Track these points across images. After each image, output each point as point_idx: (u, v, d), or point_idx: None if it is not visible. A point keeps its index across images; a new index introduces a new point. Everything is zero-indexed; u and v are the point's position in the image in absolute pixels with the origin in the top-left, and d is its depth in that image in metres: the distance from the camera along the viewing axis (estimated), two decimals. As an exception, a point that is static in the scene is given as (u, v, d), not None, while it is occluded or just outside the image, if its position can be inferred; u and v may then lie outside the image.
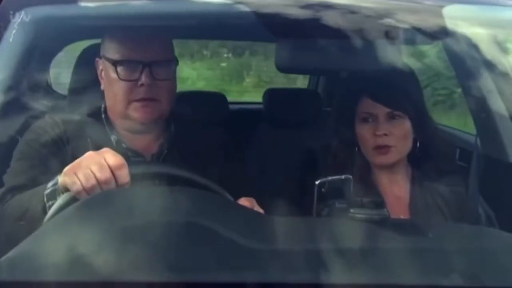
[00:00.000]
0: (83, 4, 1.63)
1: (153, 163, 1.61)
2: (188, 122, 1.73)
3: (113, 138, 1.65)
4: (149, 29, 1.64)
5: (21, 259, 1.16)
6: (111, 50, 1.63)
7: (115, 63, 1.60)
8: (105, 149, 1.35)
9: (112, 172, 1.30)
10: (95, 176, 1.29)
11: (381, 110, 1.71)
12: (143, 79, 1.59)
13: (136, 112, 1.61)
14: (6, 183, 1.51)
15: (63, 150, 1.59)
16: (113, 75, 1.61)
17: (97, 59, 1.68)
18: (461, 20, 1.76)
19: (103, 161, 1.30)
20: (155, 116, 1.63)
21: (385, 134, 1.70)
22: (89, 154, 1.34)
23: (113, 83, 1.62)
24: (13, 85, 1.59)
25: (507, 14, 1.81)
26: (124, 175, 1.30)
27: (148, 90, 1.60)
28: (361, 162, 1.75)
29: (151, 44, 1.63)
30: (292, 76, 3.64)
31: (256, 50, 4.86)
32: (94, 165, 1.30)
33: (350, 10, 1.67)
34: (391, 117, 1.72)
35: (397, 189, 1.76)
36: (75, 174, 1.30)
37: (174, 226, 1.23)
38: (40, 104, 1.69)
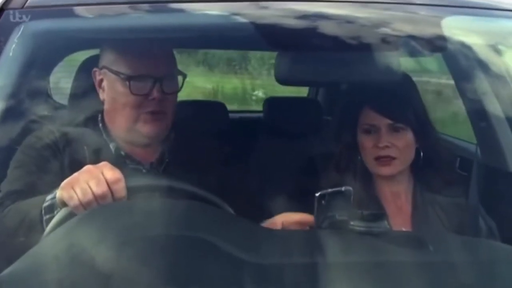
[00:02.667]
0: (82, 17, 1.63)
1: (151, 176, 1.60)
2: (188, 131, 1.73)
3: (111, 145, 1.64)
4: (155, 41, 1.65)
5: (19, 275, 1.15)
6: (120, 63, 1.62)
7: (128, 78, 1.60)
8: (102, 163, 1.35)
9: (109, 186, 1.29)
10: (91, 191, 1.28)
11: (383, 122, 1.71)
12: (155, 93, 1.60)
13: (145, 125, 1.62)
14: (3, 189, 1.51)
15: (59, 157, 1.58)
16: (123, 89, 1.61)
17: (95, 69, 1.68)
18: (461, 31, 1.76)
19: (100, 175, 1.30)
20: (162, 129, 1.64)
21: (387, 146, 1.70)
22: (87, 168, 1.34)
23: (121, 97, 1.62)
24: (14, 96, 1.59)
25: (506, 25, 1.81)
26: (120, 189, 1.30)
27: (158, 104, 1.61)
28: (363, 172, 1.75)
29: (160, 58, 1.64)
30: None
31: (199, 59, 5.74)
32: (91, 180, 1.29)
33: (349, 22, 1.67)
34: (393, 128, 1.71)
35: (398, 200, 1.75)
36: (72, 188, 1.30)
37: (173, 239, 1.23)
38: (40, 113, 1.69)
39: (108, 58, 1.66)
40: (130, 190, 1.31)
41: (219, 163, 1.70)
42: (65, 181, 1.33)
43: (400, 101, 1.76)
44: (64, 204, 1.31)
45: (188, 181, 1.38)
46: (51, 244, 1.25)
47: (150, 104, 1.61)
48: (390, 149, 1.70)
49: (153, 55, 1.63)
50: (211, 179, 1.56)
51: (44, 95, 1.80)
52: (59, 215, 1.29)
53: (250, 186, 1.72)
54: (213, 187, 1.44)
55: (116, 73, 1.62)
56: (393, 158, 1.71)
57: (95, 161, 1.50)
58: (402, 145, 1.71)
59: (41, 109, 1.71)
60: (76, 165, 1.41)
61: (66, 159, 1.58)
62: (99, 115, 1.68)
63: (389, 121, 1.71)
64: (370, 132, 1.72)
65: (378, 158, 1.71)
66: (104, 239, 1.21)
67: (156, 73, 1.60)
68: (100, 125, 1.67)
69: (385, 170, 1.72)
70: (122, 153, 1.64)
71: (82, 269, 1.16)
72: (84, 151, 1.58)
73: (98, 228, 1.24)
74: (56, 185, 1.34)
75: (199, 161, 1.65)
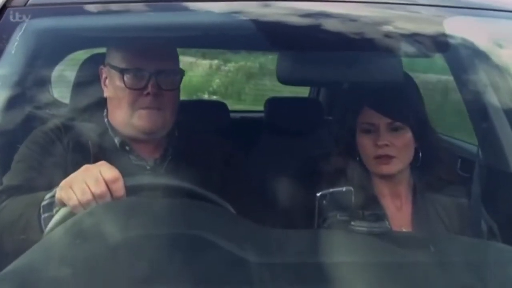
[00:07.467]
0: (84, 15, 1.63)
1: (150, 175, 1.60)
2: (191, 130, 1.73)
3: (116, 140, 1.65)
4: (155, 39, 1.65)
5: (19, 274, 1.16)
6: (118, 58, 1.64)
7: (122, 71, 1.61)
8: (100, 162, 1.35)
9: (107, 185, 1.29)
10: (90, 190, 1.28)
11: (382, 121, 1.71)
12: (150, 88, 1.61)
13: (140, 120, 1.62)
14: (4, 182, 1.51)
15: (63, 152, 1.59)
16: (119, 83, 1.62)
17: (101, 67, 1.69)
18: (463, 32, 1.76)
19: (99, 175, 1.29)
20: (158, 125, 1.64)
21: (386, 145, 1.69)
22: (85, 167, 1.34)
23: (118, 91, 1.63)
24: (15, 94, 1.59)
25: (509, 25, 1.81)
26: (119, 188, 1.30)
27: (154, 99, 1.61)
28: (362, 173, 1.74)
29: (157, 54, 1.64)
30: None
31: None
32: (90, 179, 1.29)
33: (352, 21, 1.67)
34: (392, 128, 1.71)
35: (398, 201, 1.75)
36: (71, 188, 1.29)
37: (173, 238, 1.23)
38: (42, 112, 1.69)
39: (110, 55, 1.67)
40: (129, 189, 1.31)
41: (220, 162, 1.70)
42: (64, 181, 1.33)
43: (400, 100, 1.76)
44: (63, 204, 1.31)
45: (190, 178, 1.38)
46: (50, 243, 1.25)
47: (145, 100, 1.61)
48: (389, 148, 1.70)
49: (150, 51, 1.63)
50: (212, 178, 1.57)
51: (46, 93, 1.80)
52: (58, 214, 1.29)
53: (251, 185, 1.72)
54: (215, 185, 1.45)
55: (115, 68, 1.64)
56: (392, 157, 1.70)
57: (100, 155, 1.51)
58: (401, 144, 1.71)
59: (43, 107, 1.72)
60: (81, 159, 1.41)
61: (71, 153, 1.58)
62: (105, 111, 1.69)
63: (388, 120, 1.71)
64: (369, 132, 1.72)
65: (377, 157, 1.71)
66: (104, 238, 1.21)
67: (151, 68, 1.61)
68: (106, 120, 1.68)
69: (385, 169, 1.71)
70: (127, 148, 1.65)
71: (81, 268, 1.16)
72: (88, 146, 1.59)
73: (97, 227, 1.23)
74: (60, 179, 1.34)
75: (201, 159, 1.65)
